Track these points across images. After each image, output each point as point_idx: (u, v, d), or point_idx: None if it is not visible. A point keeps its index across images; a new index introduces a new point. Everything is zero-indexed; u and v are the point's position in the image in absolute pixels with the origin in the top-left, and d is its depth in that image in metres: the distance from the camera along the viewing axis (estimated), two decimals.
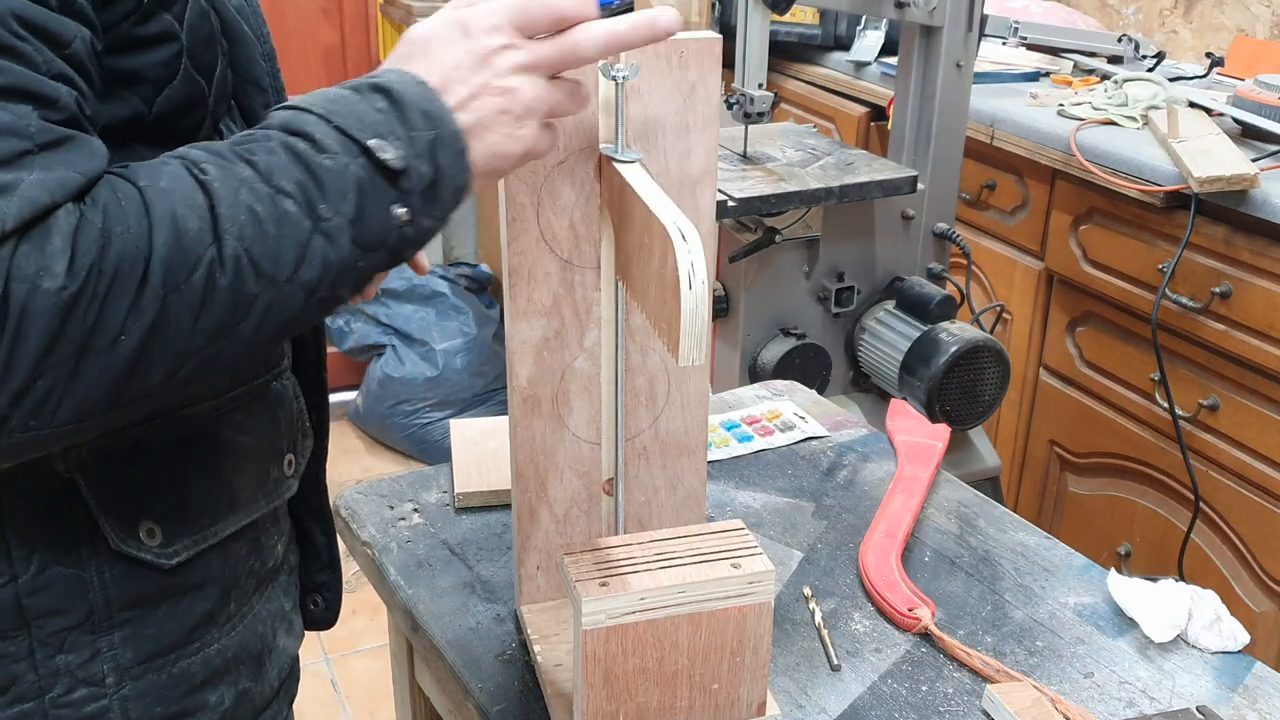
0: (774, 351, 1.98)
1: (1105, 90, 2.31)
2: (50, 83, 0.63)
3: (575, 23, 0.77)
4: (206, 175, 0.66)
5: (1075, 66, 2.61)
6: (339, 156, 0.69)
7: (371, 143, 0.70)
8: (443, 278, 3.32)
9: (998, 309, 2.37)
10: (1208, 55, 2.58)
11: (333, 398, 1.07)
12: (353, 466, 3.17)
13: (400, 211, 0.71)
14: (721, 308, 1.98)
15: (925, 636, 1.05)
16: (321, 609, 1.05)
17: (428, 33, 0.76)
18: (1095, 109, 2.24)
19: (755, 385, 1.56)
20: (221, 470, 0.85)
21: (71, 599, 0.77)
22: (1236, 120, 2.11)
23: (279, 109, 0.73)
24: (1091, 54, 2.64)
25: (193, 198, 0.65)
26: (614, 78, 0.86)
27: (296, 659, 0.98)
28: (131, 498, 0.79)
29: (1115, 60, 2.62)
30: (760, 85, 1.91)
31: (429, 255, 2.50)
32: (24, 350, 0.59)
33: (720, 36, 0.92)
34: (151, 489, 0.80)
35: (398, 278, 3.24)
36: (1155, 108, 2.18)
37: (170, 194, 0.64)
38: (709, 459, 1.11)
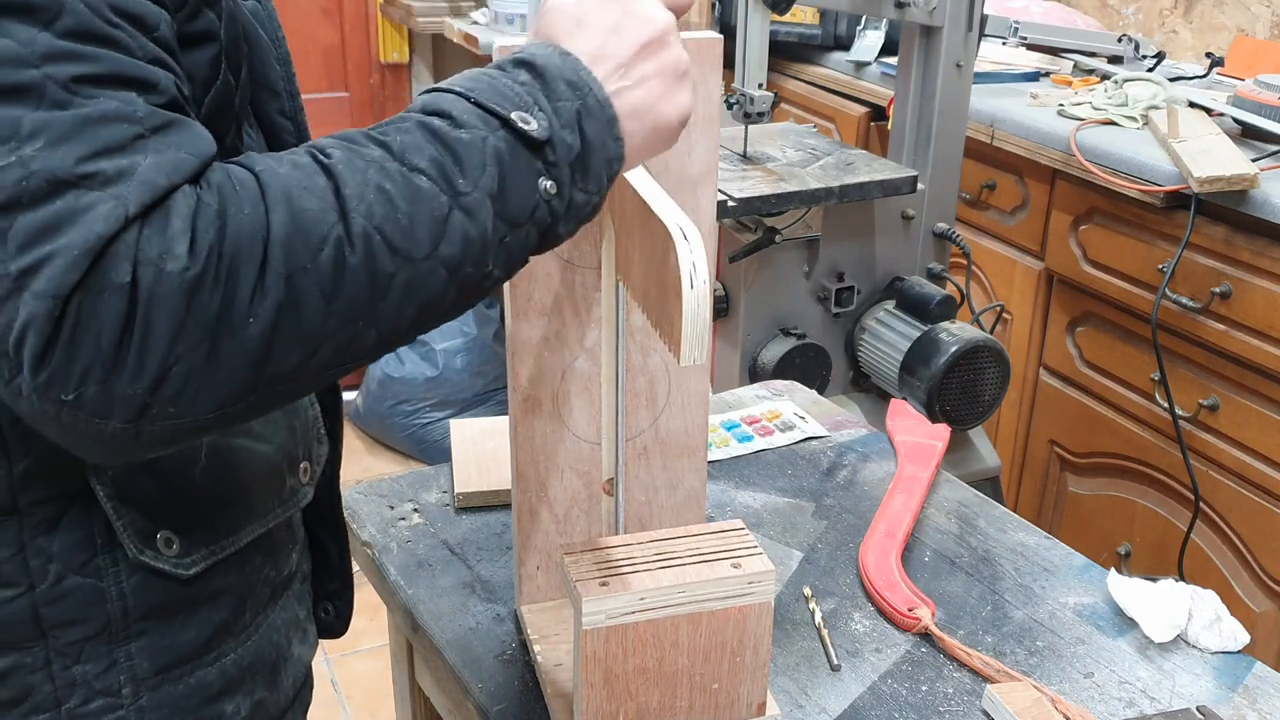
0: (774, 351, 1.98)
1: (1105, 90, 2.31)
2: (148, 67, 0.63)
3: None
4: (330, 159, 0.65)
5: (1075, 66, 2.61)
6: (477, 130, 0.68)
7: (513, 115, 0.68)
8: None
9: (998, 309, 2.37)
10: (1208, 55, 2.58)
11: None
12: (353, 466, 3.17)
13: (547, 184, 0.69)
14: (721, 308, 1.98)
15: (925, 636, 1.05)
16: (332, 617, 1.05)
17: (576, 2, 0.75)
18: (1095, 109, 2.24)
19: (755, 385, 1.56)
20: (239, 479, 0.84)
21: (89, 609, 0.77)
22: (1236, 120, 2.11)
23: (422, 93, 0.71)
24: (1091, 54, 2.64)
25: (313, 180, 0.64)
26: None
27: (310, 667, 0.97)
28: (149, 507, 0.78)
29: (1115, 60, 2.62)
30: (760, 85, 1.91)
31: None
32: (156, 334, 0.59)
33: (720, 36, 0.92)
34: (169, 498, 0.79)
35: None
36: (1155, 108, 2.18)
37: (287, 178, 0.63)
38: (709, 459, 1.11)
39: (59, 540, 0.75)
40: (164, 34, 0.66)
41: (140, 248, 0.58)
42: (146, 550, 0.78)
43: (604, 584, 0.84)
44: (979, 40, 2.02)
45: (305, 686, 0.97)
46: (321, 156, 0.65)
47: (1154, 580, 1.11)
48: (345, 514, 1.04)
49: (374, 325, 0.65)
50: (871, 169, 1.96)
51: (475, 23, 3.21)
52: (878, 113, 2.65)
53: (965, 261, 2.09)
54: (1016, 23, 2.51)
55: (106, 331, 0.58)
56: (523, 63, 0.71)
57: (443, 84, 0.71)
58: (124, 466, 0.76)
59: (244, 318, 0.61)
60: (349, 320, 0.64)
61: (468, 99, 0.69)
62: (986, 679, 1.00)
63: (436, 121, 0.68)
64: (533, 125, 0.68)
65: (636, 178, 0.84)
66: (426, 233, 0.65)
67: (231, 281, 0.60)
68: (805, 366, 1.98)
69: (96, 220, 0.58)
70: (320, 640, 1.02)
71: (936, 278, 2.06)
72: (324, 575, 1.02)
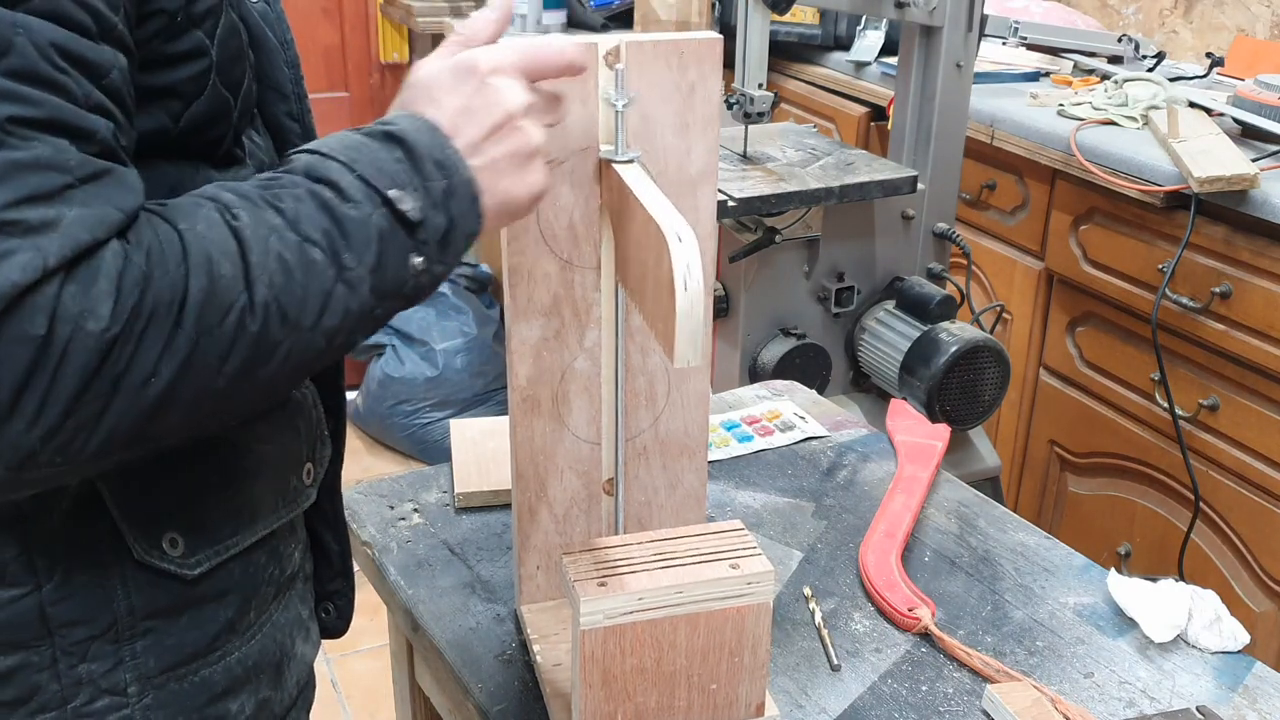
0: (774, 351, 1.98)
1: (1105, 90, 2.31)
2: (88, 116, 0.63)
3: (578, 72, 0.82)
4: (239, 221, 0.67)
5: (1075, 66, 2.61)
6: (363, 206, 0.70)
7: (391, 193, 0.71)
8: None
9: (998, 309, 2.37)
10: (1208, 55, 2.58)
11: None
12: (353, 466, 3.17)
13: (417, 260, 0.73)
14: (721, 308, 1.98)
15: (925, 636, 1.05)
16: (333, 617, 1.05)
17: (432, 75, 0.78)
18: (1095, 109, 2.24)
19: (755, 385, 1.56)
20: (243, 480, 0.84)
21: (95, 608, 0.77)
22: (1236, 120, 2.11)
23: (300, 152, 0.74)
24: (1091, 54, 2.64)
25: (226, 244, 0.66)
26: (614, 105, 0.87)
27: (312, 666, 0.98)
28: (154, 508, 0.78)
29: (1115, 60, 2.62)
30: (760, 85, 1.90)
31: None
32: (60, 390, 0.59)
33: (720, 36, 0.92)
34: (174, 500, 0.80)
35: None
36: (1155, 108, 2.18)
37: (206, 239, 0.65)
38: (709, 459, 1.11)
39: (65, 541, 0.75)
40: (114, 80, 0.66)
41: (61, 302, 0.59)
42: (152, 551, 0.78)
43: (602, 584, 0.84)
44: (979, 40, 2.02)
45: (308, 685, 0.97)
46: (229, 216, 0.67)
47: (1154, 580, 1.11)
48: (345, 514, 1.04)
49: (254, 386, 0.68)
50: (871, 169, 1.96)
51: None
52: (878, 113, 2.65)
53: (965, 261, 2.09)
54: (1016, 23, 2.51)
55: (6, 380, 0.58)
56: (393, 137, 0.74)
57: (321, 146, 0.73)
58: (128, 469, 0.76)
59: (147, 377, 0.62)
60: (234, 382, 0.66)
61: (353, 171, 0.71)
62: (986, 679, 1.00)
63: (326, 192, 0.70)
64: (408, 205, 0.72)
65: (634, 179, 0.84)
66: (316, 305, 0.68)
67: (144, 342, 0.61)
68: (805, 366, 1.98)
69: (13, 269, 0.57)
70: (321, 640, 1.03)
71: (936, 278, 2.06)
72: (325, 575, 1.03)
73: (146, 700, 0.80)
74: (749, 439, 1.38)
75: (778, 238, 1.92)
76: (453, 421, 1.37)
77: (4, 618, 0.75)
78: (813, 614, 1.08)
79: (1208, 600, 1.07)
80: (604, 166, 0.91)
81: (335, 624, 1.06)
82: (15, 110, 0.60)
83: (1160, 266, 2.00)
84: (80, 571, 0.76)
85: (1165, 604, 1.06)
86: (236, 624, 0.85)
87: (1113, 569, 1.14)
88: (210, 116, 0.78)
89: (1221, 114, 2.14)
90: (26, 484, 0.63)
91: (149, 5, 0.71)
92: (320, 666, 2.29)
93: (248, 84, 0.83)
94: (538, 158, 0.79)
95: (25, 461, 0.61)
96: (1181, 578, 2.02)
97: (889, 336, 1.99)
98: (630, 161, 0.88)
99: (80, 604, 0.76)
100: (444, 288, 3.28)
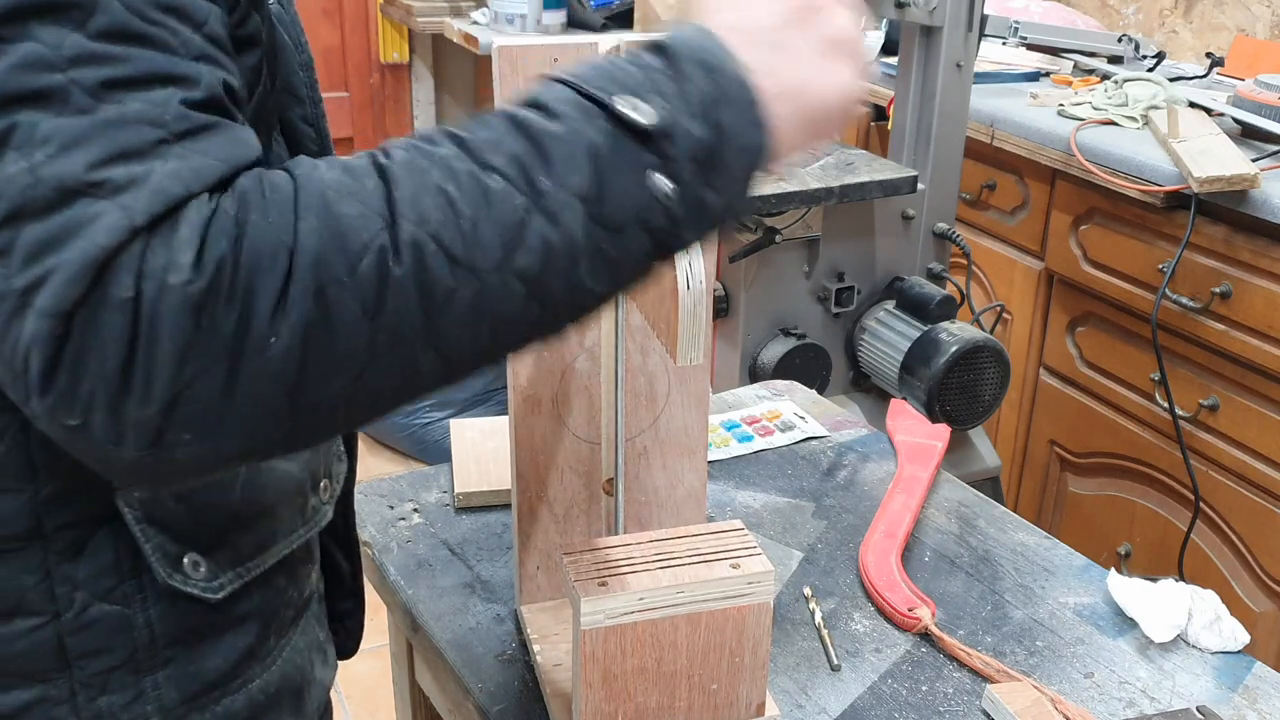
0: (774, 351, 1.98)
1: (1105, 90, 2.31)
2: (188, 64, 0.58)
3: None
4: (390, 159, 0.59)
5: (1075, 66, 2.61)
6: (572, 120, 0.59)
7: (616, 100, 0.59)
8: None
9: (998, 309, 2.37)
10: (1208, 55, 2.58)
11: None
12: None
13: (662, 181, 0.60)
14: (721, 308, 1.98)
15: (925, 636, 1.05)
16: (342, 638, 1.01)
17: (752, 4, 0.66)
18: (1095, 109, 2.24)
19: (755, 385, 1.56)
20: (265, 499, 0.81)
21: (115, 637, 0.73)
22: (1236, 120, 2.11)
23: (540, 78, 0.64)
24: (1091, 54, 2.64)
25: (360, 184, 0.58)
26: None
27: (330, 689, 0.94)
28: (176, 529, 0.75)
29: (1115, 60, 2.62)
30: None
31: None
32: (161, 355, 0.54)
33: None
34: (196, 519, 0.76)
35: None
36: (1155, 108, 2.18)
37: (328, 182, 0.57)
38: (709, 459, 1.11)
39: (85, 566, 0.72)
40: (213, 28, 0.60)
41: (145, 260, 0.54)
42: (175, 574, 0.75)
43: (603, 584, 0.84)
44: (979, 40, 2.02)
45: (327, 710, 0.94)
46: (381, 157, 0.59)
47: (1154, 580, 1.11)
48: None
49: (433, 345, 0.59)
50: (871, 169, 1.96)
51: (475, 23, 3.21)
52: (878, 113, 2.65)
53: (965, 261, 2.09)
54: (1016, 23, 2.51)
55: (110, 352, 0.54)
56: (655, 45, 0.63)
57: (561, 71, 0.63)
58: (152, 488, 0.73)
59: (264, 337, 0.55)
60: (399, 338, 0.58)
61: (570, 85, 0.61)
62: (986, 679, 1.00)
63: (526, 113, 0.60)
64: (641, 112, 0.59)
65: None
66: (496, 240, 0.58)
67: (247, 297, 0.55)
68: (805, 366, 1.98)
69: (99, 231, 0.53)
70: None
71: (936, 278, 2.06)
72: (336, 594, 1.00)
73: None
74: (749, 439, 1.38)
75: (778, 238, 1.92)
76: (453, 421, 1.37)
77: (21, 649, 0.71)
78: (813, 614, 1.08)
79: (1208, 600, 1.07)
80: None
81: (345, 644, 1.02)
82: (106, 73, 0.56)
83: (1160, 266, 2.00)
84: (100, 598, 0.72)
85: (1165, 604, 1.06)
86: (257, 650, 0.81)
87: (1113, 569, 1.14)
88: (257, 112, 0.72)
89: (1221, 114, 2.14)
90: (178, 470, 0.57)
91: None
92: None
93: (275, 79, 0.78)
94: (850, 47, 0.66)
95: (158, 441, 0.55)
96: (1181, 578, 2.02)
97: (889, 336, 1.99)
98: None
99: (100, 633, 0.73)
100: None
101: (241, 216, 0.56)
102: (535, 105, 0.61)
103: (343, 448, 0.95)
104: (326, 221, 0.56)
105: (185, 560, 0.75)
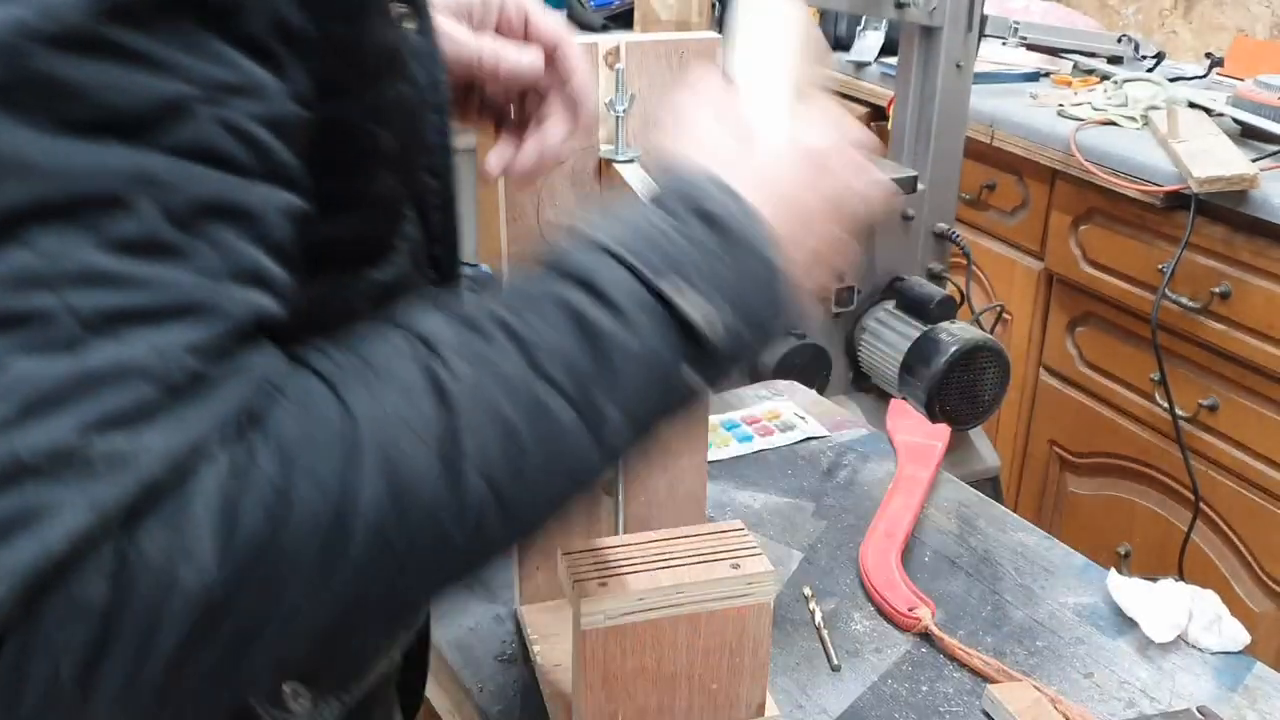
0: (774, 351, 1.97)
1: (1105, 90, 2.31)
2: (219, 288, 0.45)
3: None
4: (450, 374, 0.47)
5: (1075, 67, 2.61)
6: (639, 327, 0.51)
7: (681, 303, 0.51)
8: None
9: (998, 309, 2.37)
10: (1207, 55, 2.58)
11: None
12: None
13: (691, 377, 0.53)
14: None
15: (925, 636, 1.05)
16: (408, 697, 0.87)
17: (772, 162, 0.60)
18: (1095, 109, 2.24)
19: (755, 385, 1.56)
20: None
21: None
22: (1236, 120, 2.11)
23: (570, 232, 0.54)
24: (1091, 54, 2.64)
25: (424, 421, 0.46)
26: (614, 110, 0.87)
27: None
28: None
29: (1115, 60, 2.62)
30: None
31: None
32: (154, 655, 0.42)
33: (720, 36, 0.92)
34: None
35: None
36: (1155, 108, 2.18)
37: (390, 421, 0.46)
38: (709, 459, 1.11)
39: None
40: (268, 227, 0.47)
41: (138, 549, 0.41)
42: (273, 709, 0.64)
43: (603, 584, 0.84)
44: (979, 40, 2.02)
45: None
46: (438, 366, 0.48)
47: (1154, 580, 1.11)
48: None
49: (444, 591, 0.52)
50: None
51: None
52: (878, 113, 2.65)
53: (965, 261, 2.09)
54: (1016, 23, 2.50)
55: (66, 665, 0.41)
56: (705, 215, 0.54)
57: (599, 231, 0.53)
58: None
59: (288, 621, 0.45)
60: (423, 595, 0.51)
61: (628, 268, 0.52)
62: (986, 679, 1.00)
63: (585, 304, 0.50)
64: (704, 315, 0.52)
65: (634, 178, 0.84)
66: (549, 492, 0.50)
67: (279, 587, 0.44)
68: (805, 366, 1.98)
69: (55, 533, 0.40)
70: None
71: (936, 278, 2.06)
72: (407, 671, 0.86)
73: None
74: (749, 439, 1.38)
75: None
76: None
77: None
78: (813, 614, 1.08)
79: (1208, 600, 1.07)
80: (604, 166, 0.90)
81: (410, 703, 0.88)
82: (111, 301, 0.43)
83: (1160, 267, 2.00)
84: None
85: (1165, 604, 1.06)
86: None
87: (1112, 569, 1.14)
88: (385, 218, 0.60)
89: (1221, 114, 2.14)
90: None
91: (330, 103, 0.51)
92: None
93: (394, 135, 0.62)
94: (853, 202, 0.62)
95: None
96: (1181, 578, 2.02)
97: (889, 336, 1.99)
98: (630, 161, 0.88)
99: None
100: None
101: (284, 478, 0.43)
102: (593, 290, 0.51)
103: None
104: (392, 488, 0.45)
105: (285, 690, 0.65)
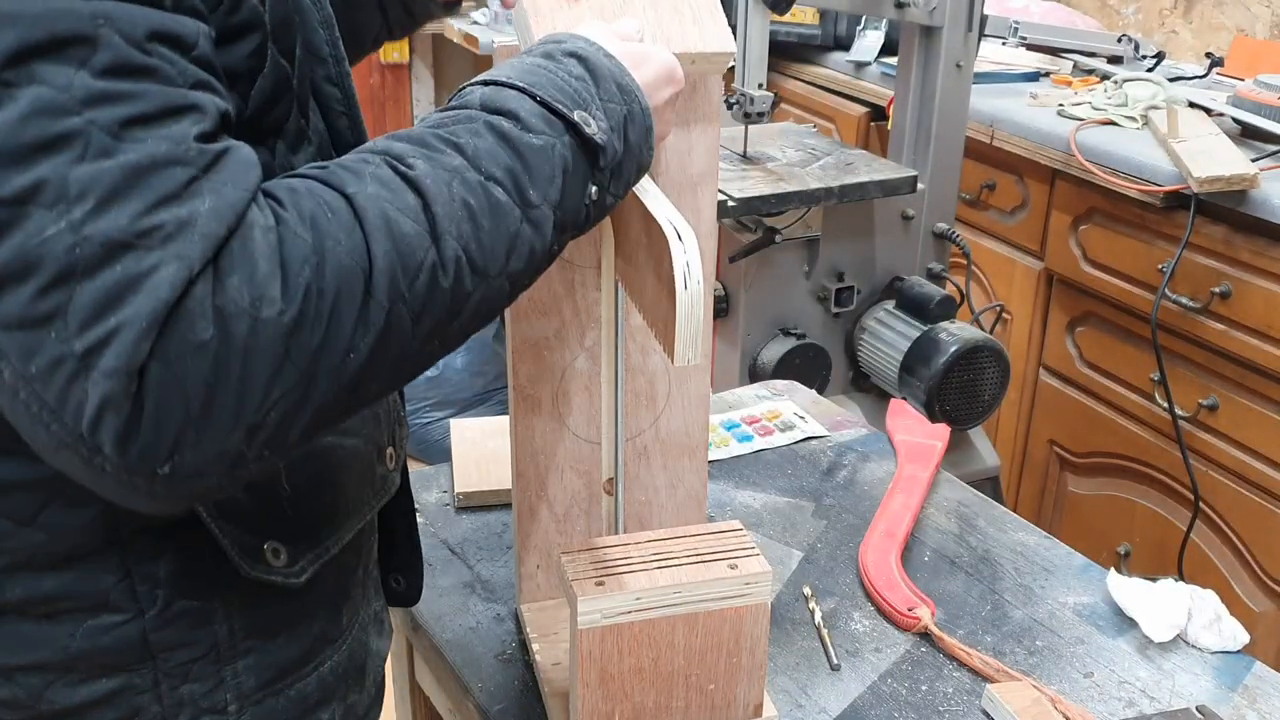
0: (774, 351, 1.97)
1: (1105, 90, 2.31)
2: (191, 94, 0.59)
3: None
4: (414, 170, 0.63)
5: (1075, 66, 2.61)
6: (546, 135, 0.67)
7: (576, 116, 0.67)
8: None
9: (997, 309, 2.37)
10: (1207, 55, 2.58)
11: None
12: None
13: (593, 190, 0.69)
14: (721, 308, 1.98)
15: (925, 636, 1.05)
16: (403, 587, 0.99)
17: (595, 33, 0.76)
18: (1095, 109, 2.24)
19: (755, 385, 1.56)
20: (334, 478, 0.81)
21: (197, 631, 0.74)
22: (1236, 120, 2.11)
23: (474, 84, 0.70)
24: (1091, 54, 2.64)
25: (404, 200, 0.62)
26: None
27: (385, 659, 0.94)
28: (252, 520, 0.75)
29: (1115, 60, 2.62)
30: (760, 85, 1.90)
31: None
32: (253, 387, 0.56)
33: None
34: (270, 508, 0.76)
35: None
36: (1155, 108, 2.18)
37: (380, 198, 0.61)
38: (709, 459, 1.11)
39: (164, 566, 0.73)
40: (202, 50, 0.61)
41: (220, 299, 0.55)
42: (257, 565, 0.75)
43: (600, 583, 0.84)
44: (979, 40, 2.02)
45: (382, 680, 0.93)
46: (404, 167, 0.63)
47: (1154, 580, 1.11)
48: None
49: (444, 343, 0.65)
50: (871, 169, 1.96)
51: (475, 23, 3.21)
52: (878, 113, 2.65)
53: (965, 261, 2.09)
54: (1016, 23, 2.50)
55: (194, 394, 0.55)
56: (574, 55, 0.70)
57: (497, 74, 0.70)
58: None
59: (344, 353, 0.59)
60: (426, 342, 0.63)
61: (533, 97, 0.68)
62: (986, 679, 1.00)
63: (505, 124, 0.66)
64: (593, 128, 0.68)
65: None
66: (502, 250, 0.65)
67: (334, 320, 0.58)
68: (805, 366, 1.98)
69: (161, 285, 0.54)
70: (395, 607, 0.99)
71: (936, 278, 2.06)
72: (390, 553, 0.97)
73: (244, 717, 0.78)
74: (749, 439, 1.38)
75: (778, 238, 1.92)
76: (453, 421, 1.37)
77: (106, 643, 0.72)
78: (812, 614, 1.08)
79: (1207, 600, 1.07)
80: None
81: (406, 593, 1.00)
82: (122, 111, 0.55)
83: (1160, 266, 2.00)
84: (182, 596, 0.73)
85: (1165, 604, 1.06)
86: (329, 633, 0.82)
87: (1112, 569, 1.14)
88: (274, 92, 0.72)
89: (1221, 114, 2.14)
90: (239, 483, 0.60)
91: None
92: None
93: (300, 51, 0.76)
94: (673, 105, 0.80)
95: (235, 465, 0.58)
96: (1181, 578, 2.02)
97: (889, 336, 1.99)
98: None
99: (182, 629, 0.74)
100: None
101: (318, 244, 0.58)
102: (508, 115, 0.67)
103: (403, 411, 0.93)
104: (394, 241, 0.60)
105: (266, 549, 0.76)
